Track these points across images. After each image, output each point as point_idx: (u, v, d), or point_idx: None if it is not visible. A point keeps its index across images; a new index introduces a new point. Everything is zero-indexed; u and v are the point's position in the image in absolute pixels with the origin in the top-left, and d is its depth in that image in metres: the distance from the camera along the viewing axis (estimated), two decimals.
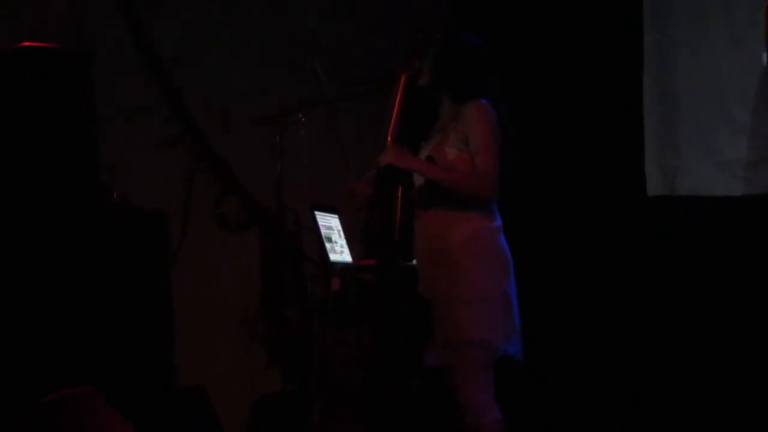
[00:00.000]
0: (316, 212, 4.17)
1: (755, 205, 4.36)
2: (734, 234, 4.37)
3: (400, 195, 3.42)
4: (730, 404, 4.27)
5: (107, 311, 3.58)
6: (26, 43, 3.55)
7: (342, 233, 4.30)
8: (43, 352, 3.41)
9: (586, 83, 4.88)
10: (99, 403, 3.25)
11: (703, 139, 4.56)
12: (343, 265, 3.99)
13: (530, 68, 4.97)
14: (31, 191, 3.50)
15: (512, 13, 5.11)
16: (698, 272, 4.47)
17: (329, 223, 4.24)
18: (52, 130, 3.57)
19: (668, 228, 4.60)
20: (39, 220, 3.49)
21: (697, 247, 4.48)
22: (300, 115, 3.97)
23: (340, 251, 4.17)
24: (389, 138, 3.42)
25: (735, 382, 4.30)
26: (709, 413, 4.32)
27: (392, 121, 3.45)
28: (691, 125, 4.60)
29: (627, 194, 4.75)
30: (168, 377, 3.86)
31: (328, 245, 4.10)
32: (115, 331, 3.60)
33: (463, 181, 3.38)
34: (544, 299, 4.62)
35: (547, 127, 4.93)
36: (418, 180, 3.49)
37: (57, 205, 3.52)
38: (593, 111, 4.86)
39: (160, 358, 3.82)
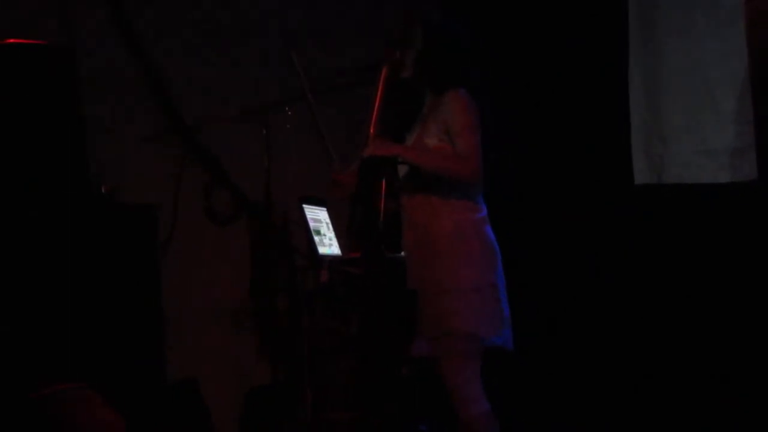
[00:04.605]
0: (304, 205, 4.17)
1: (742, 193, 4.36)
2: (721, 221, 4.38)
3: (384, 186, 3.41)
4: (718, 392, 4.29)
5: (96, 305, 3.59)
6: (11, 40, 3.55)
7: (330, 226, 4.30)
8: (31, 347, 3.42)
9: (572, 73, 4.88)
10: (91, 398, 3.26)
11: (689, 127, 4.56)
12: (331, 258, 3.99)
13: (515, 58, 4.96)
14: (18, 188, 3.51)
15: (496, 1, 5.11)
16: (686, 260, 4.48)
17: (318, 216, 4.25)
18: (39, 126, 3.58)
19: (655, 216, 4.61)
20: (26, 215, 3.50)
21: (684, 235, 4.49)
22: (287, 109, 3.98)
23: (328, 244, 4.18)
24: (371, 130, 3.40)
25: (724, 367, 4.31)
26: (698, 402, 4.34)
27: (373, 114, 3.44)
28: (677, 113, 4.60)
29: (614, 183, 4.75)
30: (159, 370, 3.88)
31: (316, 238, 4.10)
32: (105, 325, 3.61)
33: (445, 164, 3.34)
34: (534, 290, 4.62)
35: (533, 116, 4.93)
36: (403, 170, 3.48)
37: (44, 202, 3.53)
38: (579, 100, 4.86)
39: (151, 352, 3.83)
